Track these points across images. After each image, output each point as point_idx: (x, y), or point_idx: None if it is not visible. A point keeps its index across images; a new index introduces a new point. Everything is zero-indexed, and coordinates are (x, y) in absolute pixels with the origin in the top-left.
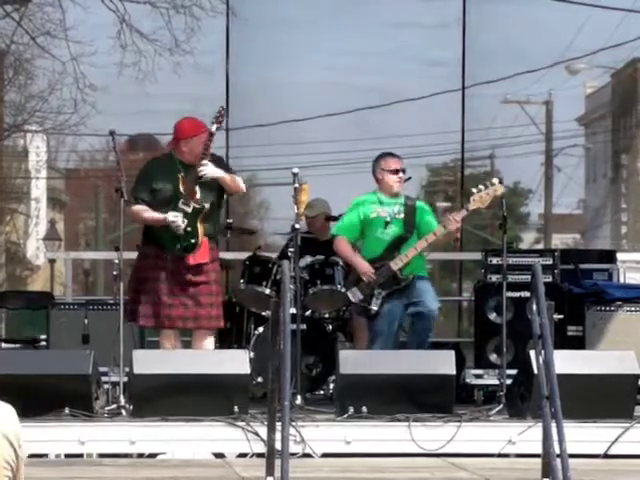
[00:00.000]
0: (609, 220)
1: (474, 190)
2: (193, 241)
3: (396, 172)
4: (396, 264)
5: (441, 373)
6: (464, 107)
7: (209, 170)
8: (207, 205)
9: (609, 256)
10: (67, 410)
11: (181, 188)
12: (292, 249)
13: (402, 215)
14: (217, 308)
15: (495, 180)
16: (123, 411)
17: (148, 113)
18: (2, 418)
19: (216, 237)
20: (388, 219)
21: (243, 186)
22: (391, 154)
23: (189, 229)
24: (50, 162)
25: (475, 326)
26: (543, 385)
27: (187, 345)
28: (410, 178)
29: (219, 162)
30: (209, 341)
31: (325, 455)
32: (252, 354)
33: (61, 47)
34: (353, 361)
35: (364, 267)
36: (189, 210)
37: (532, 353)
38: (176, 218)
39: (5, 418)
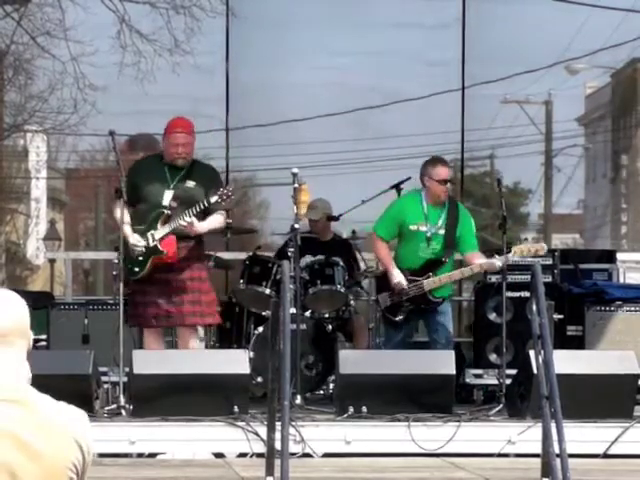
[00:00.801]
0: (609, 220)
1: (520, 242)
2: (137, 269)
3: (445, 182)
4: (429, 285)
5: (441, 373)
6: (464, 107)
7: (190, 226)
8: (165, 253)
9: (609, 256)
10: None
11: (159, 225)
12: (292, 249)
13: (443, 231)
14: (192, 305)
15: (541, 239)
16: (123, 411)
17: (148, 113)
18: (75, 421)
19: (200, 240)
20: (429, 235)
21: (222, 223)
22: (441, 161)
23: (140, 259)
24: (50, 162)
25: (475, 326)
26: (543, 385)
27: (170, 345)
28: (409, 178)
29: (212, 179)
30: (193, 342)
31: (325, 455)
32: (252, 354)
33: (61, 47)
34: (353, 361)
35: (399, 279)
36: (151, 244)
37: (532, 353)
38: (138, 243)
39: (78, 421)
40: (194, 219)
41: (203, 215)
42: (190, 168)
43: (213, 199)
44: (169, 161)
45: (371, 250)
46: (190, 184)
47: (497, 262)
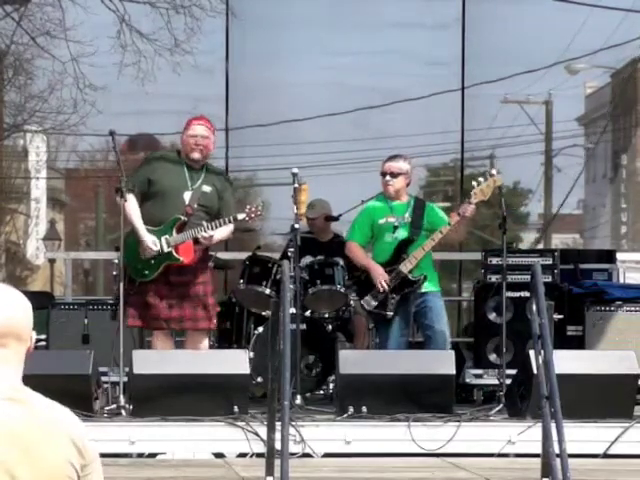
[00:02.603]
0: (609, 220)
1: (474, 184)
2: (146, 272)
3: (383, 175)
4: (406, 267)
5: (441, 373)
6: (464, 107)
7: (209, 239)
8: (182, 259)
9: (609, 256)
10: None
11: (174, 231)
12: (292, 249)
13: (409, 220)
14: (204, 309)
15: (494, 171)
16: (123, 411)
17: (148, 113)
18: (70, 422)
19: None
20: (396, 224)
21: (231, 233)
22: (390, 157)
23: (152, 262)
24: (50, 162)
25: (475, 326)
26: (543, 385)
27: (180, 346)
28: None
29: (226, 186)
30: (204, 344)
31: (325, 455)
32: (252, 354)
33: (61, 47)
34: (353, 361)
35: (379, 272)
36: (165, 250)
37: (532, 353)
38: (154, 246)
39: (72, 422)
40: (212, 234)
41: (211, 218)
42: (207, 172)
43: (240, 216)
44: (186, 154)
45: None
46: (207, 189)
47: (464, 211)
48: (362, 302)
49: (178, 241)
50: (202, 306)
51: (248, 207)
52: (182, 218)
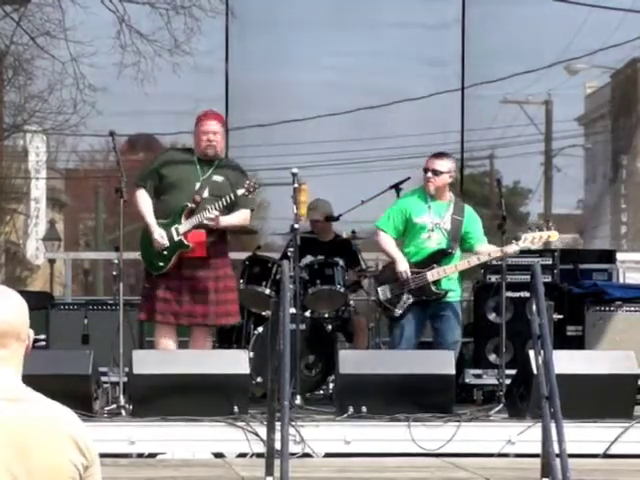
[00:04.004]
0: (609, 220)
1: (529, 229)
2: (161, 264)
3: (425, 171)
4: (432, 276)
5: (441, 373)
6: (464, 107)
7: (215, 220)
8: (190, 247)
9: (609, 256)
10: None
11: (183, 219)
12: (292, 249)
13: (448, 226)
14: (215, 305)
15: (552, 226)
16: (123, 411)
17: (148, 113)
18: (71, 422)
19: (223, 234)
20: (431, 227)
21: (247, 220)
22: (435, 154)
23: (165, 253)
24: (50, 162)
25: (475, 326)
26: (542, 385)
27: (184, 345)
28: (409, 178)
29: (239, 175)
30: (206, 342)
31: (325, 455)
32: (252, 354)
33: (60, 47)
34: (352, 361)
35: (403, 266)
36: (175, 239)
37: (531, 353)
38: (161, 239)
39: (74, 423)
40: (216, 214)
41: (228, 212)
42: (219, 164)
43: (240, 192)
44: (200, 151)
45: (371, 250)
46: (218, 179)
47: (507, 250)
48: (378, 289)
49: (187, 227)
50: (214, 303)
51: (247, 183)
52: (190, 205)
